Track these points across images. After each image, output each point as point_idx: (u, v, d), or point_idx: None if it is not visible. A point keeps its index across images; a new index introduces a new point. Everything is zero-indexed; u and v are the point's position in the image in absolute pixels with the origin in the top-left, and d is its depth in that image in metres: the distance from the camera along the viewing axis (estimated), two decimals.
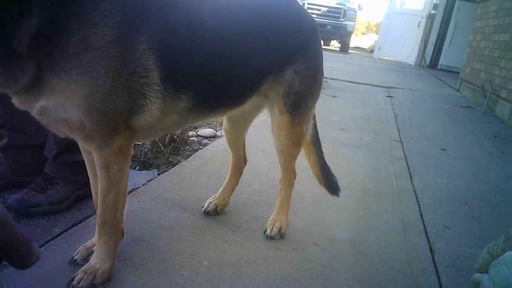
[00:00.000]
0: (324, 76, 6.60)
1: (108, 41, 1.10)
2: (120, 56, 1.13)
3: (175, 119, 1.38)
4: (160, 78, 1.22)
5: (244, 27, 1.45)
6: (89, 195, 1.95)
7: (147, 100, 1.23)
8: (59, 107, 1.13)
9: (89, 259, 1.41)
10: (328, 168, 1.96)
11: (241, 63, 1.47)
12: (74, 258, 1.46)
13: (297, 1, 1.71)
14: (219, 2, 1.40)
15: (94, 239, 1.44)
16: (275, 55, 1.56)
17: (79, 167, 1.89)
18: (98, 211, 1.35)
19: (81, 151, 1.48)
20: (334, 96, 5.66)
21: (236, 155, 2.00)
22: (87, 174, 1.89)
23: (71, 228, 1.71)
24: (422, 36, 13.30)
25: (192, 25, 1.30)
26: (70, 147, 1.26)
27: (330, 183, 1.92)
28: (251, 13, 1.48)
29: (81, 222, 1.77)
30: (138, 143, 2.67)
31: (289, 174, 1.86)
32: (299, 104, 1.66)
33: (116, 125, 1.21)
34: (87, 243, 1.51)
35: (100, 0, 1.10)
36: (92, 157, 1.32)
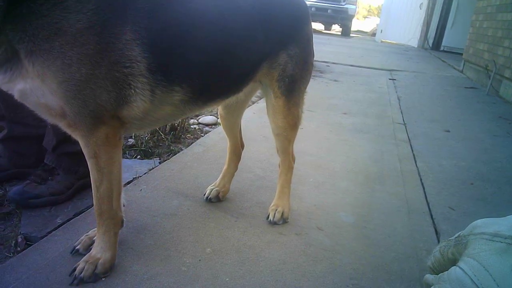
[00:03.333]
0: (326, 60, 6.53)
1: (81, 27, 1.06)
2: (98, 44, 1.09)
3: (169, 111, 1.35)
4: (148, 70, 1.18)
5: (240, 15, 1.42)
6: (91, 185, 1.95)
7: (132, 91, 1.19)
8: (37, 92, 1.10)
9: (91, 248, 1.40)
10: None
11: (238, 52, 1.45)
12: (76, 248, 1.45)
13: None
14: None
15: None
16: (270, 42, 1.54)
17: (79, 157, 1.87)
18: (94, 201, 1.34)
19: None
20: (336, 80, 5.61)
21: (233, 141, 1.98)
22: None
23: (72, 218, 1.70)
24: (424, 18, 13.16)
25: (186, 15, 1.26)
26: (69, 137, 1.25)
27: None
28: (246, 1, 1.45)
29: (83, 212, 1.76)
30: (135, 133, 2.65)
31: (288, 158, 1.84)
32: (293, 87, 1.65)
33: (100, 115, 1.17)
34: (90, 232, 1.50)
35: None
36: None
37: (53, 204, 1.80)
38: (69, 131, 1.24)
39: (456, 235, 1.12)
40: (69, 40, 1.06)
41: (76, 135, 1.23)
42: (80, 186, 1.92)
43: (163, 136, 2.70)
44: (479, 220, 1.09)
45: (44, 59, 1.05)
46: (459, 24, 11.19)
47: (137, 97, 1.21)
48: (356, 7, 14.73)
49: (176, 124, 2.81)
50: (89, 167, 1.28)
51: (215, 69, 1.40)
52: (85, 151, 1.25)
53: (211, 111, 3.51)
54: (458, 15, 11.34)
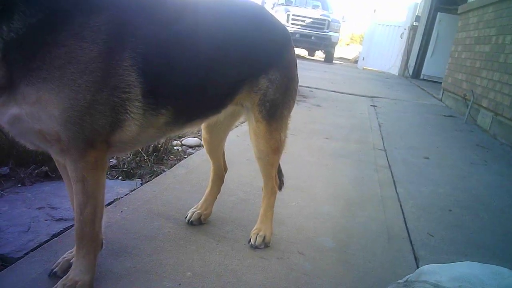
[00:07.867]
0: (309, 85, 6.58)
1: (93, 56, 1.11)
2: (104, 71, 1.14)
3: (152, 133, 1.39)
4: (142, 94, 1.23)
5: (219, 41, 1.46)
6: None
7: (128, 115, 1.23)
8: (34, 118, 1.12)
9: (69, 270, 1.38)
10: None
11: (217, 76, 1.50)
12: (54, 270, 1.42)
13: (269, 12, 1.74)
14: (195, 19, 1.41)
15: (74, 251, 1.41)
16: (249, 66, 1.58)
17: None
18: (76, 224, 1.33)
19: (56, 164, 1.46)
20: (318, 105, 5.69)
21: (216, 164, 1.99)
22: None
23: (51, 239, 1.68)
24: (405, 47, 13.53)
25: (172, 42, 1.31)
26: None
27: None
28: (226, 27, 1.50)
29: (61, 233, 1.73)
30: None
31: (271, 182, 1.86)
32: (274, 111, 1.68)
33: (94, 139, 1.20)
34: (67, 255, 1.47)
35: (91, 16, 1.12)
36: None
37: None
38: (58, 156, 1.25)
39: (405, 278, 1.21)
40: (81, 68, 1.10)
41: (65, 160, 1.24)
42: None
43: (145, 157, 2.69)
44: (425, 266, 1.20)
45: (52, 86, 1.08)
46: (438, 54, 11.53)
47: (131, 122, 1.25)
48: (339, 35, 15.05)
49: (159, 145, 2.81)
50: (74, 191, 1.27)
51: (195, 91, 1.44)
52: (72, 175, 1.25)
53: (195, 132, 3.52)
54: (438, 45, 11.69)
